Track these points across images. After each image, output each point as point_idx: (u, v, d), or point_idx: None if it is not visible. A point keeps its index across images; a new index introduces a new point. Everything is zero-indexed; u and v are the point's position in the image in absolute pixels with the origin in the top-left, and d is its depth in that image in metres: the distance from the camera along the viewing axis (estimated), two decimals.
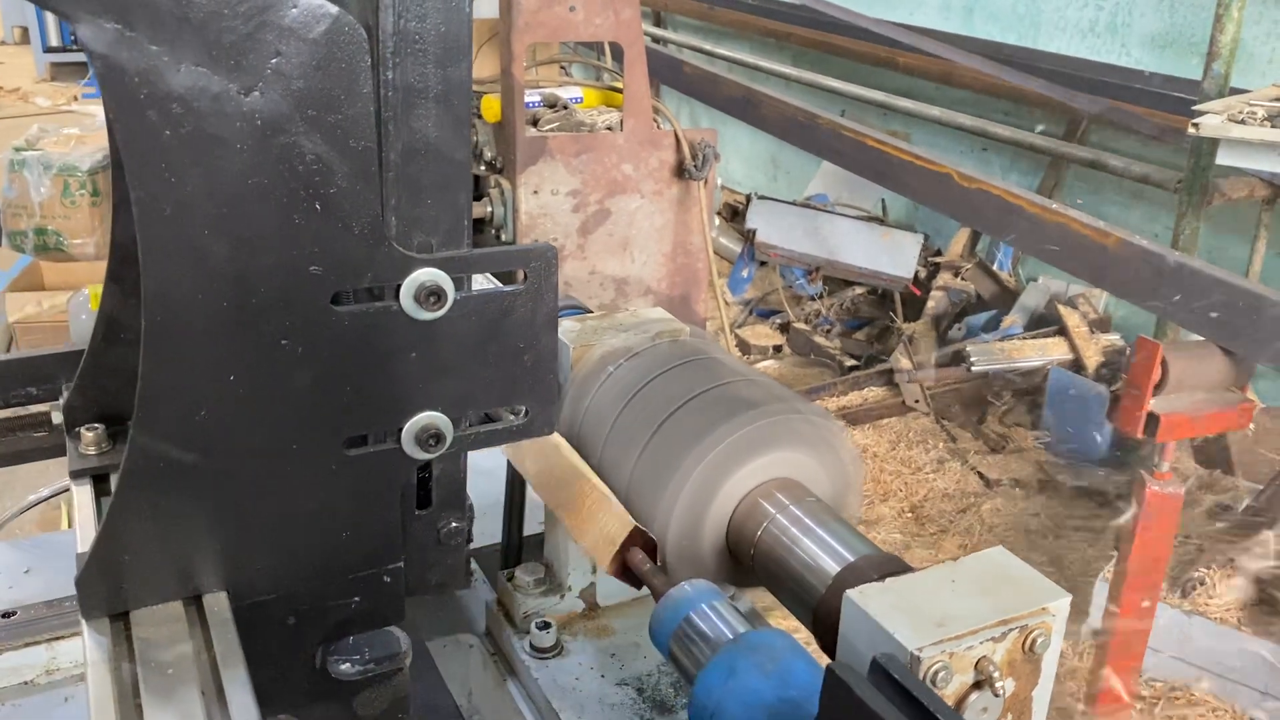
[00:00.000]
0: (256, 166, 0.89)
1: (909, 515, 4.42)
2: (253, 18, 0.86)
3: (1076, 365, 4.58)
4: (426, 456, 1.06)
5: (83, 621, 0.98)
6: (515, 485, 1.70)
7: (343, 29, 0.89)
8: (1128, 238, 2.99)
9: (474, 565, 1.77)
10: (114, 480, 1.20)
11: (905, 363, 5.09)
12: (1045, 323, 5.02)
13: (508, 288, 1.05)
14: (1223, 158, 3.19)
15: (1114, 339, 4.70)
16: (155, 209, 0.88)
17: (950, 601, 1.04)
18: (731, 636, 1.09)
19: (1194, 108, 3.34)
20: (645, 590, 1.60)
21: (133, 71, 0.84)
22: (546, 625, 1.52)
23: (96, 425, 1.25)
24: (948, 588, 1.06)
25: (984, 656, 1.01)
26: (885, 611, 1.02)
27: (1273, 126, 2.96)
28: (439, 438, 1.05)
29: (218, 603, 1.01)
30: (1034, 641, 1.03)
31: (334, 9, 0.89)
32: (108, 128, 1.11)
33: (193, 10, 0.84)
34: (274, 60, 0.87)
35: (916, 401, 5.05)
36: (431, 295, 0.99)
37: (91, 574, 0.98)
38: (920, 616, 1.01)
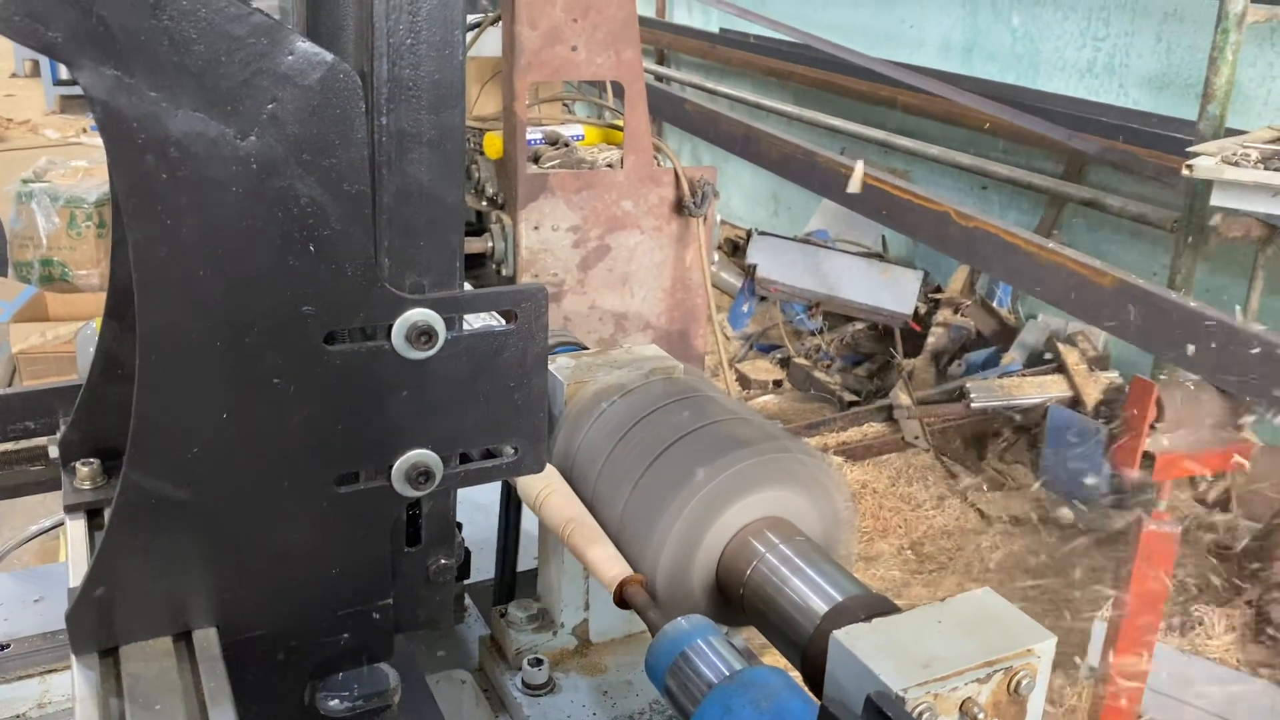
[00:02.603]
0: (252, 209, 0.91)
1: (908, 552, 4.41)
2: (249, 64, 0.88)
3: (1075, 403, 4.58)
4: (416, 494, 1.07)
5: (72, 657, 0.98)
6: (510, 521, 1.70)
7: (338, 76, 0.91)
8: (1124, 277, 3.01)
9: (468, 601, 1.77)
10: (108, 515, 1.22)
11: (905, 399, 5.10)
12: (1044, 360, 5.03)
13: (498, 328, 1.06)
14: (1217, 199, 3.22)
15: (1113, 377, 4.71)
16: (151, 249, 0.90)
17: (936, 643, 1.04)
18: (727, 673, 1.10)
19: (1188, 149, 3.37)
20: (638, 628, 1.61)
21: (131, 116, 0.86)
22: (539, 662, 1.52)
23: (92, 460, 1.26)
24: (934, 629, 1.07)
25: (969, 698, 1.01)
26: (871, 653, 1.03)
27: (1266, 169, 3.00)
28: (429, 475, 1.06)
29: (207, 638, 1.01)
30: (1019, 683, 1.04)
31: (329, 56, 0.91)
32: (108, 169, 1.13)
33: (191, 58, 0.86)
34: (270, 106, 0.89)
35: (916, 438, 5.05)
36: (423, 335, 1.00)
37: (82, 609, 0.98)
38: (906, 657, 1.02)
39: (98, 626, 0.99)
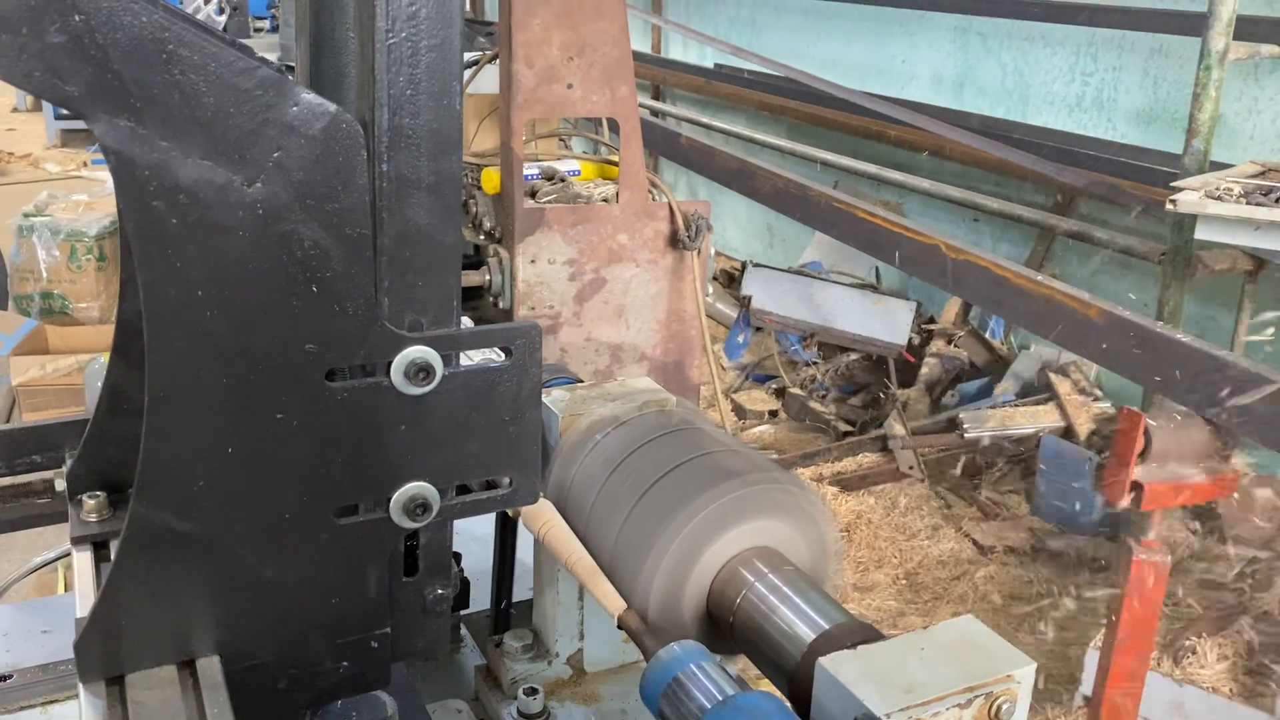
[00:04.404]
0: (257, 252, 0.95)
1: (903, 582, 4.42)
2: (256, 115, 0.93)
3: (1068, 433, 4.62)
4: (414, 525, 1.10)
5: (80, 684, 1.01)
6: (505, 553, 1.73)
7: (340, 125, 0.95)
8: (1110, 309, 3.05)
9: (464, 631, 1.80)
10: (114, 547, 1.25)
11: (899, 429, 5.13)
12: (1037, 390, 5.07)
13: (493, 364, 1.10)
14: (1201, 232, 3.27)
15: (1105, 407, 4.74)
16: (161, 290, 0.94)
17: (918, 669, 1.07)
18: (720, 698, 1.12)
19: (1172, 184, 3.43)
20: (632, 658, 1.64)
21: (144, 165, 0.90)
22: (534, 691, 1.54)
23: (98, 493, 1.29)
24: (916, 655, 1.10)
25: None
26: (856, 679, 1.06)
27: (1248, 203, 3.05)
28: (426, 507, 1.09)
29: (210, 666, 1.04)
30: (999, 708, 1.07)
31: (332, 107, 0.95)
32: (118, 213, 1.17)
33: (201, 109, 0.91)
34: (276, 154, 0.94)
35: (911, 468, 5.08)
36: (421, 371, 1.04)
37: (90, 638, 1.01)
38: (889, 684, 1.05)
39: (105, 655, 1.02)
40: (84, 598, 1.15)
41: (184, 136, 0.90)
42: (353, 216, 0.98)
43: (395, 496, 1.08)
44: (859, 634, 1.18)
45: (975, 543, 4.58)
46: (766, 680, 1.30)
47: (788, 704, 1.19)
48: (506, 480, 1.16)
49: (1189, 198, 3.18)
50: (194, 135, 0.91)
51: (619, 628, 1.29)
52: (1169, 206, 3.23)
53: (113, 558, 1.04)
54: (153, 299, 0.93)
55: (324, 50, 1.17)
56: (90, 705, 0.99)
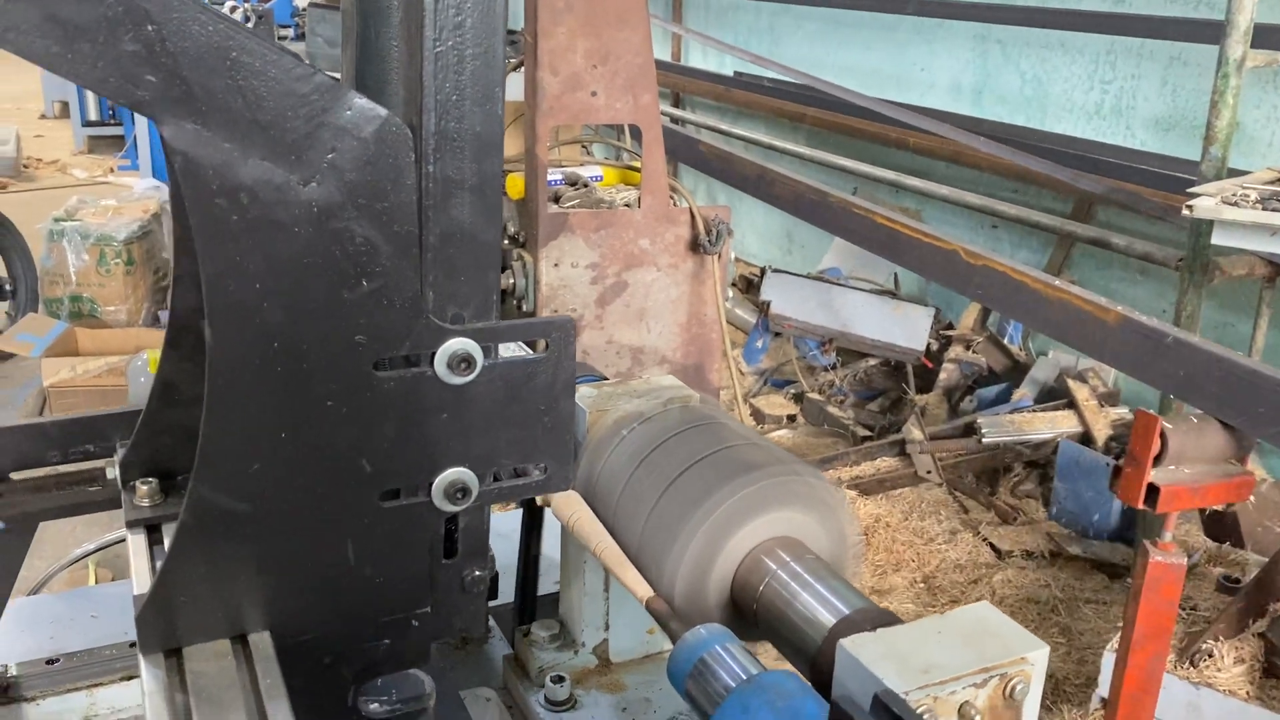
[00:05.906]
0: (312, 248, 1.01)
1: (921, 585, 4.45)
2: (313, 119, 0.99)
3: (1086, 438, 4.64)
4: (454, 509, 1.16)
5: (140, 656, 1.07)
6: (531, 547, 1.78)
7: (391, 129, 1.01)
8: (1128, 314, 3.08)
9: (492, 622, 1.85)
10: (165, 530, 1.31)
11: (917, 434, 5.16)
12: (1055, 396, 5.09)
13: (531, 356, 1.16)
14: (1218, 238, 3.30)
15: (1123, 412, 4.76)
16: (222, 283, 1.00)
17: (936, 651, 1.12)
18: (745, 677, 1.17)
19: (1189, 190, 3.46)
20: (656, 648, 1.69)
21: (208, 165, 0.96)
22: (561, 679, 1.59)
23: (150, 479, 1.36)
24: (934, 638, 1.14)
25: (967, 701, 1.09)
26: (875, 659, 1.10)
27: (1264, 209, 3.08)
28: (466, 491, 1.15)
29: (262, 641, 1.10)
30: (1014, 688, 1.11)
31: (383, 111, 1.01)
32: (173, 211, 1.24)
33: (262, 113, 0.97)
34: (330, 155, 1.00)
35: (929, 472, 5.10)
36: (462, 362, 1.10)
37: (149, 613, 1.07)
38: (907, 664, 1.10)
39: (164, 629, 1.08)
40: (140, 577, 1.21)
41: (246, 138, 0.96)
42: (401, 215, 1.03)
43: (436, 481, 1.14)
44: (878, 619, 1.22)
45: (993, 547, 4.60)
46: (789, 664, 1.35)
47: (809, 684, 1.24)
48: (540, 467, 1.22)
49: (1205, 203, 3.21)
50: (255, 137, 0.97)
51: (647, 610, 1.34)
52: (1185, 212, 3.26)
53: (170, 538, 1.10)
54: (214, 292, 0.99)
55: (369, 57, 1.23)
56: (151, 675, 1.05)
